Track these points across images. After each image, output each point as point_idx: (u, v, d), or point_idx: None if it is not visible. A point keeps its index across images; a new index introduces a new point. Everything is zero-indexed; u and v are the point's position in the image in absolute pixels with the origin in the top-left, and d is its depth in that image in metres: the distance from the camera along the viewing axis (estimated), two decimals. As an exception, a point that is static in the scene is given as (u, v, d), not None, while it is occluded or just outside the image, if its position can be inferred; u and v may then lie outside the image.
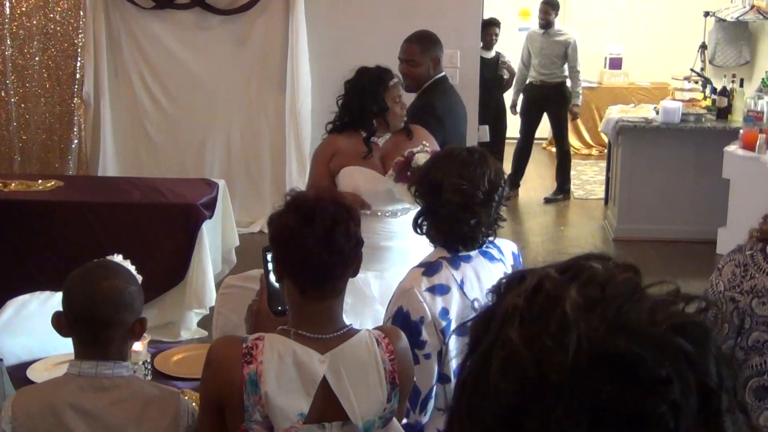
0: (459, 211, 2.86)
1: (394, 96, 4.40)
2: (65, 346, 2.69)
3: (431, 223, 2.94)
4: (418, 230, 2.99)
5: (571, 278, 0.96)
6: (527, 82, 9.90)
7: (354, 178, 4.28)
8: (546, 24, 9.77)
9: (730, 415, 0.94)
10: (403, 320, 2.79)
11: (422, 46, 5.16)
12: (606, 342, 0.90)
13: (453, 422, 1.02)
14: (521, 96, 9.94)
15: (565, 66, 9.76)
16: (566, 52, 9.74)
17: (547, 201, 9.69)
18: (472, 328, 1.03)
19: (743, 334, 2.60)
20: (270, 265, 2.53)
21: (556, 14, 9.86)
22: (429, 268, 2.89)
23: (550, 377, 0.90)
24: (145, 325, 2.54)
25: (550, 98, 9.78)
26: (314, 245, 2.30)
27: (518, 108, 9.97)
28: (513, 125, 10.10)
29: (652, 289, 0.97)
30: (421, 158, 3.87)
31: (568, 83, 9.82)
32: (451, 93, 5.28)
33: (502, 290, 1.03)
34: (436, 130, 4.69)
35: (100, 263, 2.64)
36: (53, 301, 3.60)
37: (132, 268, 2.77)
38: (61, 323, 2.51)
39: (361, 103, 4.37)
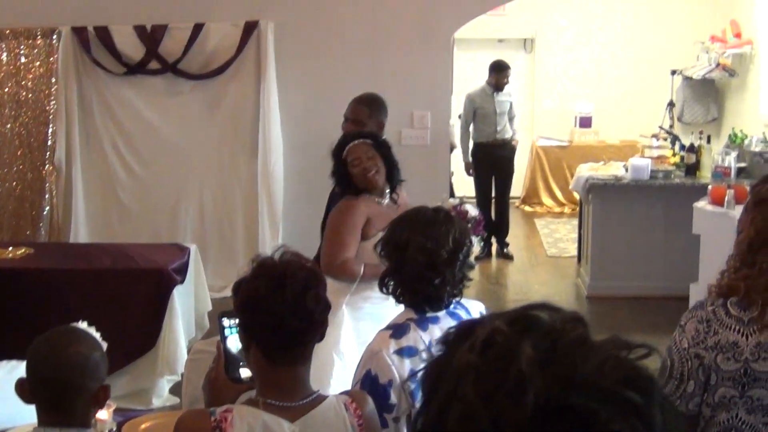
0: (424, 270, 2.86)
1: (352, 159, 4.45)
2: (33, 415, 2.65)
3: (397, 283, 2.94)
4: (384, 290, 2.99)
5: (522, 331, 0.97)
6: (476, 143, 9.95)
7: None
8: (503, 87, 9.88)
9: None
10: (371, 383, 2.78)
11: (371, 108, 5.21)
12: (561, 398, 0.91)
13: None
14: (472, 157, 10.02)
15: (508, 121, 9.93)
16: (510, 109, 9.94)
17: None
18: (425, 380, 1.04)
19: (709, 391, 2.59)
20: (227, 331, 2.51)
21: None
22: (397, 330, 2.88)
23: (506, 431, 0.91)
24: (109, 392, 2.51)
25: (503, 155, 9.88)
26: (285, 311, 2.30)
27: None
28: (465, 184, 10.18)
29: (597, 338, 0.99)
30: (471, 209, 3.92)
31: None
32: None
33: (450, 341, 1.04)
34: None
35: (65, 329, 2.61)
36: (20, 370, 3.54)
37: (97, 335, 2.75)
38: (24, 389, 2.49)
39: (339, 173, 4.47)
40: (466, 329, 1.04)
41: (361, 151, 4.49)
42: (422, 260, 2.85)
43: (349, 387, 2.90)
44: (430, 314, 2.92)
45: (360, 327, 4.26)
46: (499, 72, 9.89)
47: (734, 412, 2.58)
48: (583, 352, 0.96)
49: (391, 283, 2.95)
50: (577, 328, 0.99)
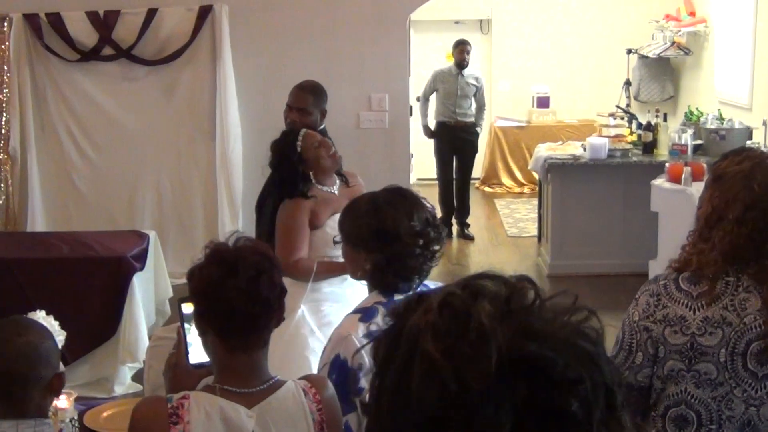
0: (419, 253, 2.86)
1: (311, 144, 4.43)
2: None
3: (378, 269, 2.90)
4: (357, 277, 2.98)
5: (476, 293, 1.01)
6: (437, 121, 10.00)
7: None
8: (465, 64, 9.92)
9: (624, 410, 1.01)
10: (340, 367, 2.76)
11: (315, 96, 5.19)
12: (522, 348, 0.95)
13: None
14: (434, 137, 10.07)
15: (473, 106, 9.94)
16: (476, 93, 9.95)
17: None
18: (378, 348, 1.05)
19: (659, 364, 2.63)
20: (186, 317, 2.50)
21: (470, 53, 10.04)
22: (365, 313, 2.87)
23: (471, 385, 0.94)
24: (64, 379, 2.49)
25: (466, 138, 9.92)
26: (238, 296, 2.28)
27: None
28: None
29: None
30: None
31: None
32: None
33: (401, 311, 1.06)
34: None
35: (12, 320, 2.58)
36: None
37: (55, 325, 2.73)
38: None
39: (287, 168, 4.42)
40: (415, 300, 1.06)
41: (316, 136, 4.51)
42: (417, 243, 2.85)
43: None
44: (397, 297, 2.91)
45: (324, 309, 4.26)
46: (455, 48, 9.97)
47: (683, 385, 2.61)
48: (536, 307, 1.01)
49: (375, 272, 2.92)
50: (527, 287, 1.04)
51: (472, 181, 10.38)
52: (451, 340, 0.97)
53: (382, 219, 2.89)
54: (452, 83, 9.90)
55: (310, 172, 4.43)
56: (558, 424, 0.95)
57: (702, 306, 2.57)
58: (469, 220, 10.06)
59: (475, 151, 10.24)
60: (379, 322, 2.83)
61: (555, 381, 0.95)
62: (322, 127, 5.26)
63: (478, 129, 10.09)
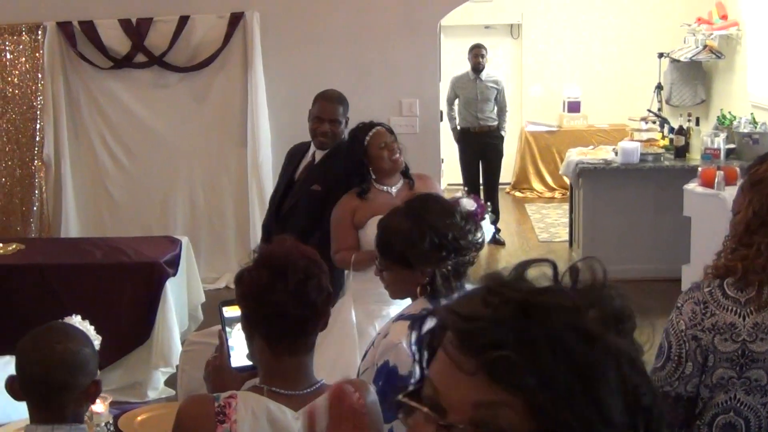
0: (450, 260, 2.85)
1: (377, 143, 4.55)
2: (26, 410, 2.64)
3: (445, 277, 2.89)
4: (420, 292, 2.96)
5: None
6: (461, 128, 10.00)
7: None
8: (481, 68, 9.91)
9: None
10: (389, 374, 2.73)
11: (343, 106, 5.21)
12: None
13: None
14: (458, 144, 10.09)
15: (495, 109, 9.93)
16: (497, 96, 9.93)
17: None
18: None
19: (707, 372, 2.59)
20: (227, 319, 2.51)
21: (486, 58, 10.05)
22: (415, 320, 2.84)
23: None
24: (101, 386, 2.50)
25: (490, 142, 9.90)
26: (287, 300, 2.29)
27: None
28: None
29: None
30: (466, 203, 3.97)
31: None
32: None
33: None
34: None
35: (53, 326, 2.59)
36: (13, 365, 3.55)
37: (91, 330, 2.75)
38: (15, 388, 2.47)
39: (351, 160, 4.58)
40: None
41: (385, 137, 4.61)
42: (469, 246, 2.85)
43: None
44: (444, 302, 2.89)
45: (371, 310, 4.29)
46: (469, 52, 9.97)
47: (732, 393, 2.58)
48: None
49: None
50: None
51: (502, 186, 10.36)
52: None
53: (438, 231, 2.86)
54: (471, 88, 9.89)
55: (370, 169, 4.57)
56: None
57: (751, 312, 2.54)
58: (499, 225, 10.03)
59: (501, 155, 10.17)
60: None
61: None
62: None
63: (502, 132, 10.05)
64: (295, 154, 5.35)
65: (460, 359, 1.03)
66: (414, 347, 2.74)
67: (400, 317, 2.91)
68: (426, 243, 2.85)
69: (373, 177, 4.58)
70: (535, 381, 0.98)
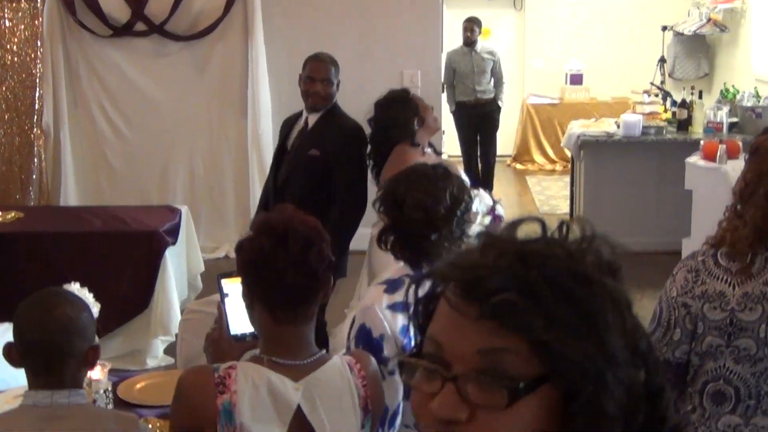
0: (421, 227, 2.84)
1: (423, 104, 4.76)
2: (25, 377, 2.64)
3: (395, 239, 2.92)
4: (383, 246, 2.97)
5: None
6: (458, 101, 9.97)
7: None
8: (473, 42, 9.86)
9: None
10: (365, 337, 2.78)
11: (335, 66, 5.18)
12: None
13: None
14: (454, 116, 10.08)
15: (492, 81, 9.91)
16: (494, 68, 9.91)
17: None
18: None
19: (697, 340, 2.62)
20: (226, 292, 2.50)
21: (480, 31, 9.99)
22: (391, 285, 2.87)
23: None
24: (99, 352, 2.49)
25: (485, 113, 9.88)
26: (288, 267, 2.27)
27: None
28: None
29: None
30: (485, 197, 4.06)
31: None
32: None
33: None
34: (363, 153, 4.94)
35: (50, 291, 2.58)
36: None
37: (89, 297, 2.74)
38: (13, 354, 2.47)
39: (402, 112, 4.68)
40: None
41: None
42: (419, 217, 2.83)
43: None
44: (426, 270, 2.89)
45: None
46: (462, 26, 9.94)
47: (721, 361, 2.60)
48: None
49: (390, 238, 2.94)
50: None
51: (503, 159, 10.34)
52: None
53: (393, 187, 2.93)
54: (467, 62, 9.87)
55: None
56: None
57: (741, 282, 2.55)
58: (501, 198, 9.99)
59: (496, 126, 10.17)
60: (404, 293, 2.81)
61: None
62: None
63: (499, 102, 10.05)
64: (287, 123, 5.33)
65: (463, 307, 1.03)
66: (387, 310, 2.77)
67: (379, 282, 2.92)
68: (388, 199, 2.93)
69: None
70: (538, 322, 0.99)
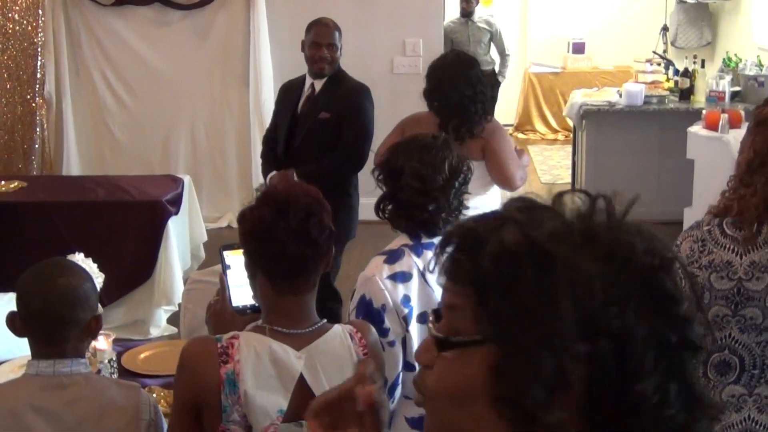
0: (418, 197, 2.86)
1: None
2: (28, 347, 2.66)
3: (393, 209, 2.94)
4: (380, 214, 2.98)
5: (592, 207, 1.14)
6: None
7: None
8: (470, 12, 9.81)
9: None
10: (366, 308, 2.80)
11: (338, 31, 5.19)
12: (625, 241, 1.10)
13: None
14: None
15: (491, 52, 9.82)
16: (491, 39, 9.83)
17: None
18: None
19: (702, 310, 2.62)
20: (228, 264, 2.52)
21: (477, 2, 9.93)
22: (391, 255, 2.89)
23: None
24: (101, 322, 2.52)
25: None
26: (289, 237, 2.29)
27: None
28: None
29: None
30: None
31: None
32: None
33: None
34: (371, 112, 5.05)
35: (53, 261, 2.60)
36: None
37: (93, 267, 2.76)
38: (16, 323, 2.49)
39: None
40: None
41: None
42: (416, 186, 2.85)
43: None
44: (425, 240, 2.93)
45: None
46: None
47: (727, 330, 2.61)
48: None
49: (388, 207, 2.95)
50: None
51: (505, 128, 10.27)
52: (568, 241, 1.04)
53: (392, 157, 2.96)
54: (462, 32, 9.80)
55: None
56: (665, 303, 1.05)
57: (748, 251, 2.56)
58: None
59: (493, 100, 10.03)
60: (404, 264, 2.85)
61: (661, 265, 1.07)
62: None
63: (500, 78, 9.96)
64: (290, 89, 5.31)
65: (441, 266, 1.10)
66: (388, 281, 2.80)
67: (380, 252, 2.95)
68: (387, 168, 2.97)
69: None
70: (478, 283, 1.03)
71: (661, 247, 1.09)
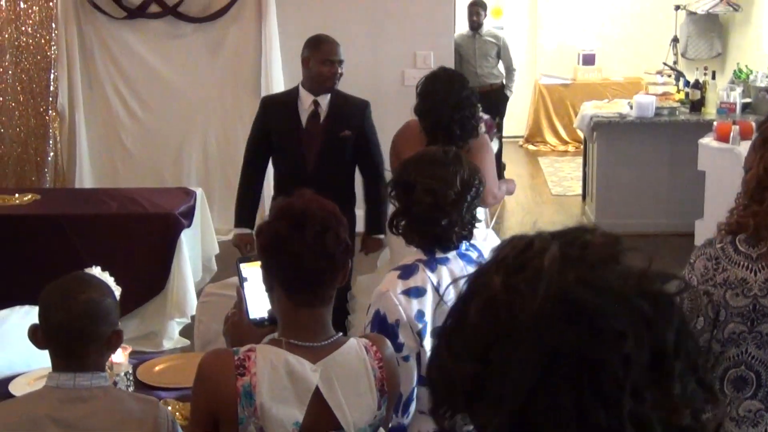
0: (431, 211, 2.87)
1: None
2: (47, 359, 2.68)
3: (406, 224, 2.95)
4: (394, 230, 3.00)
5: (558, 238, 1.06)
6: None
7: None
8: (478, 25, 9.82)
9: (681, 381, 1.01)
10: (380, 323, 2.81)
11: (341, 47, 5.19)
12: (573, 292, 0.98)
13: (433, 358, 1.11)
14: None
15: (499, 66, 9.83)
16: (499, 52, 9.83)
17: None
18: (468, 281, 1.10)
19: (719, 327, 2.62)
20: (245, 277, 2.54)
21: (486, 15, 9.94)
22: (405, 270, 2.90)
23: (519, 318, 0.99)
24: (122, 336, 2.54)
25: (493, 99, 9.78)
26: (305, 251, 2.31)
27: None
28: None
29: (635, 261, 1.06)
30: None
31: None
32: None
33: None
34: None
35: (76, 276, 2.63)
36: (33, 314, 3.56)
37: (110, 280, 2.78)
38: (38, 336, 2.51)
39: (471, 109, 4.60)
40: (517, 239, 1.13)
41: None
42: (429, 201, 2.86)
43: None
44: (439, 255, 2.93)
45: None
46: (468, 10, 9.86)
47: (744, 347, 2.61)
48: (608, 263, 1.04)
49: (402, 223, 2.96)
50: (609, 242, 1.08)
51: (516, 140, 10.29)
52: (515, 277, 1.02)
53: (403, 172, 2.97)
54: (469, 45, 9.79)
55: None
56: (593, 374, 0.97)
57: (763, 267, 2.56)
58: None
59: (501, 111, 9.93)
60: (418, 279, 2.86)
61: (598, 330, 0.97)
62: None
63: (507, 92, 9.93)
64: (283, 104, 5.20)
65: None
66: (402, 296, 2.81)
67: (394, 268, 2.95)
68: (399, 183, 2.97)
69: None
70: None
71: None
